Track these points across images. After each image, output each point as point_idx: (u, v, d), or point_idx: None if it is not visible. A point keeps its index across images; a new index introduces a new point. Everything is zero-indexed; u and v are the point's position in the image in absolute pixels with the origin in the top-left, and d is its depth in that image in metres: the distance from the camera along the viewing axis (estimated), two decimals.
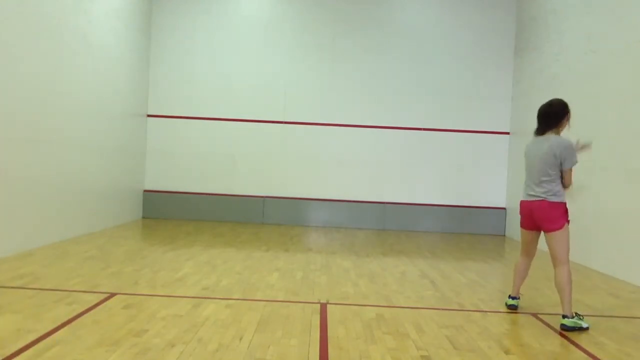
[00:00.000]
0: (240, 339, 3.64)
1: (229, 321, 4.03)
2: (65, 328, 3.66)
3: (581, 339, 4.02)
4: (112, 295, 4.61)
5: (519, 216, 4.62)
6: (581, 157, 4.54)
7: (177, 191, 10.70)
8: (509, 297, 4.80)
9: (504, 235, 10.43)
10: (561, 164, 4.29)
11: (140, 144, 10.44)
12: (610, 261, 6.80)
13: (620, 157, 6.80)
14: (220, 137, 10.72)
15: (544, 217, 4.32)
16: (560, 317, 4.25)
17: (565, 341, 3.94)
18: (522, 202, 4.55)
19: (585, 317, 4.35)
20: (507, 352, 3.62)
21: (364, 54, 10.78)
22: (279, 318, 4.18)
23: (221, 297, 4.77)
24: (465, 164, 10.76)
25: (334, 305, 4.65)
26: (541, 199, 4.33)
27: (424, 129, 10.82)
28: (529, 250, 4.66)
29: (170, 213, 10.62)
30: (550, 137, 4.36)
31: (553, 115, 4.38)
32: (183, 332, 3.72)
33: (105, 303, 4.35)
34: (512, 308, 4.74)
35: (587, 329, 4.20)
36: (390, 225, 10.74)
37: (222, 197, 10.70)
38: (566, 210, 4.33)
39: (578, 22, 8.12)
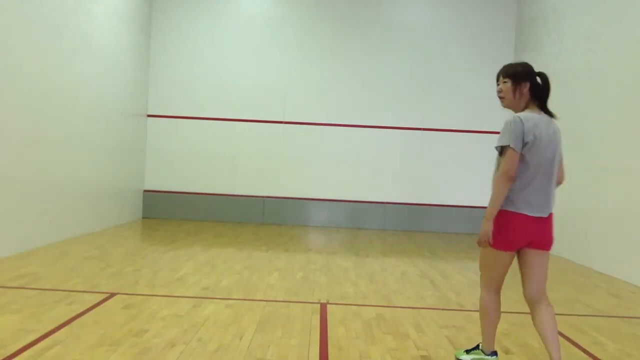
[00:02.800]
0: (240, 339, 3.64)
1: (229, 321, 4.03)
2: (65, 328, 3.66)
3: (581, 339, 4.01)
4: (112, 295, 4.61)
5: (505, 234, 3.01)
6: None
7: (177, 191, 10.70)
8: (489, 353, 3.31)
9: None
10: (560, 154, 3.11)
11: (140, 144, 10.44)
12: (611, 261, 6.80)
13: (620, 157, 6.80)
14: (220, 137, 10.72)
15: (550, 233, 3.10)
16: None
17: (566, 341, 3.93)
18: (530, 219, 2.98)
19: (585, 317, 4.34)
20: (507, 352, 3.62)
21: (365, 54, 10.78)
22: (279, 318, 4.18)
23: (221, 297, 4.77)
24: (465, 163, 10.75)
25: (334, 305, 4.65)
26: (551, 212, 3.08)
27: (424, 129, 10.81)
28: (502, 283, 3.24)
29: (170, 213, 10.62)
30: (548, 118, 3.09)
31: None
32: (183, 332, 3.72)
33: (105, 303, 4.35)
34: None
35: None
36: (390, 225, 10.74)
37: (222, 197, 10.69)
38: None
39: (578, 22, 8.12)
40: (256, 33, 10.76)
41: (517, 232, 3.00)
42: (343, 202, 10.78)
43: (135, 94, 10.00)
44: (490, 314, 3.24)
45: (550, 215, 3.06)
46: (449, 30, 10.83)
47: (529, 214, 2.97)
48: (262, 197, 10.72)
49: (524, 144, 2.94)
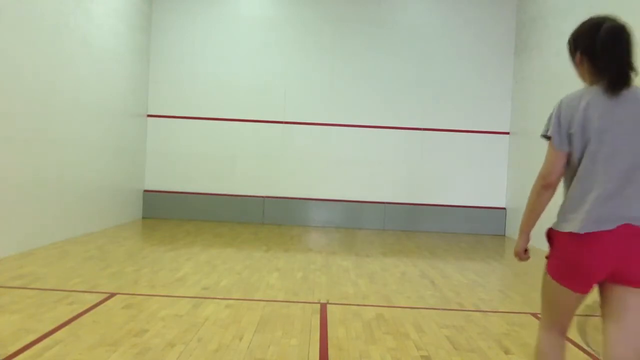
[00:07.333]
0: (240, 339, 3.64)
1: (229, 321, 4.03)
2: (65, 328, 3.66)
3: (581, 339, 4.01)
4: (112, 295, 4.61)
5: (557, 263, 2.18)
6: None
7: (177, 191, 10.69)
8: None
9: (504, 235, 10.42)
10: None
11: (140, 144, 10.44)
12: None
13: None
14: (220, 137, 10.72)
15: None
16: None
17: (566, 341, 3.93)
18: (598, 235, 2.05)
19: (586, 317, 4.34)
20: (507, 352, 3.62)
21: (365, 54, 10.78)
22: (279, 318, 4.18)
23: (221, 297, 4.77)
24: (465, 164, 10.75)
25: (334, 305, 4.65)
26: None
27: (424, 129, 10.81)
28: (567, 324, 2.33)
29: (170, 213, 10.62)
30: (629, 92, 2.09)
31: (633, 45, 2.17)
32: (183, 332, 3.71)
33: (105, 303, 4.35)
34: None
35: None
36: (390, 225, 10.73)
37: (222, 197, 10.69)
38: None
39: (578, 22, 8.10)
40: (256, 33, 10.76)
41: (572, 261, 2.12)
42: (343, 202, 10.78)
43: (135, 94, 10.00)
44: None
45: None
46: (449, 30, 10.83)
47: (594, 230, 2.04)
48: (262, 197, 10.72)
49: (569, 136, 2.11)
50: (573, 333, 4.11)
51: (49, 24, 6.86)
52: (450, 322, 4.28)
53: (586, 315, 4.59)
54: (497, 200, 10.64)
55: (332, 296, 4.99)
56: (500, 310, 4.79)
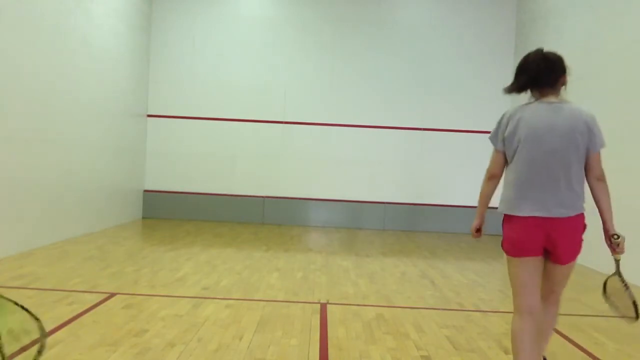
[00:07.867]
0: (240, 339, 3.64)
1: (229, 321, 4.03)
2: (65, 328, 3.66)
3: (581, 339, 4.02)
4: (112, 295, 4.61)
5: (504, 236, 2.87)
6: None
7: (177, 191, 10.70)
8: None
9: None
10: (588, 146, 2.67)
11: (140, 144, 10.44)
12: (610, 261, 6.79)
13: (618, 156, 6.80)
14: (220, 137, 10.72)
15: (573, 240, 2.76)
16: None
17: (565, 341, 3.93)
18: (524, 220, 2.73)
19: (585, 317, 4.35)
20: (507, 352, 3.62)
21: (364, 54, 10.78)
22: (279, 318, 4.18)
23: (221, 297, 4.77)
24: (465, 164, 10.75)
25: (334, 305, 4.65)
26: (576, 213, 2.76)
27: (424, 129, 10.81)
28: (535, 301, 2.74)
29: (170, 213, 10.62)
30: (563, 105, 2.72)
31: (559, 67, 2.87)
32: (183, 332, 3.72)
33: (105, 303, 4.35)
34: None
35: None
36: (390, 225, 10.73)
37: (222, 197, 10.69)
38: None
39: (578, 22, 8.12)
40: (256, 33, 10.76)
41: (513, 234, 2.77)
42: (343, 202, 10.78)
43: (135, 94, 10.00)
44: (516, 341, 2.70)
45: (573, 220, 2.72)
46: (449, 30, 10.83)
47: (521, 215, 2.73)
48: (262, 197, 10.73)
49: (504, 140, 2.86)
50: (575, 334, 4.12)
51: (49, 24, 6.86)
52: (450, 322, 4.28)
53: (586, 316, 4.60)
54: (497, 200, 10.61)
55: (332, 296, 4.99)
56: (500, 310, 4.79)
